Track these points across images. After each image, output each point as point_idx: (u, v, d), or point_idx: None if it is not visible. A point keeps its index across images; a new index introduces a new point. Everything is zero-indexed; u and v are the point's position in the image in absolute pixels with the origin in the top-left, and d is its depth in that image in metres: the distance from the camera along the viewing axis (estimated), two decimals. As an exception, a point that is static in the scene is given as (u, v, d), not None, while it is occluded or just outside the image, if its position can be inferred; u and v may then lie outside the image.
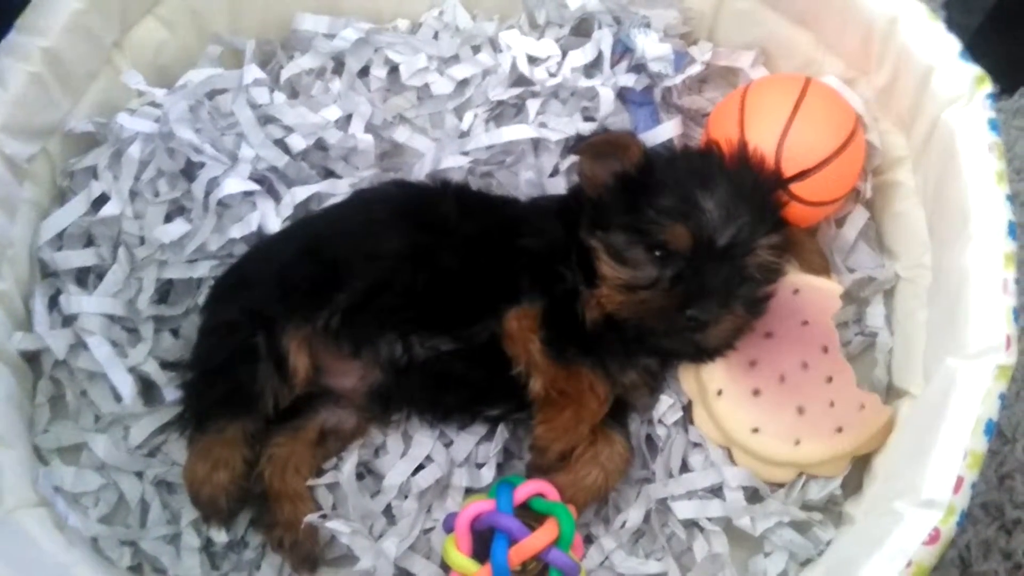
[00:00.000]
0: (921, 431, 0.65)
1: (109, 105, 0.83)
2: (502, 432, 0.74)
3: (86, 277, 0.80)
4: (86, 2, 0.78)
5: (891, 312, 0.79)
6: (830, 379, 0.73)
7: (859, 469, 0.73)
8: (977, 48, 0.73)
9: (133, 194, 0.80)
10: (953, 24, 0.74)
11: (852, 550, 0.66)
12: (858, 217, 0.81)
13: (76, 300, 0.77)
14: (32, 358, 0.77)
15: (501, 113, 0.86)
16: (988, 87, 0.70)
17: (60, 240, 0.80)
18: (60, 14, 0.77)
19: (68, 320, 0.77)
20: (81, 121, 0.81)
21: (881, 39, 0.75)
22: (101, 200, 0.80)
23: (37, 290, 0.77)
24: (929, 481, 0.60)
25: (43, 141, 0.79)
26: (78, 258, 0.79)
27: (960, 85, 0.70)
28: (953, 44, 0.72)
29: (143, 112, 0.82)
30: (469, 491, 0.73)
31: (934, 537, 0.58)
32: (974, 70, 0.70)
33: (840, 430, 0.71)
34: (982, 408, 0.60)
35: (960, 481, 0.59)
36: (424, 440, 0.74)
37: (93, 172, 0.81)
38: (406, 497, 0.73)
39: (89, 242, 0.81)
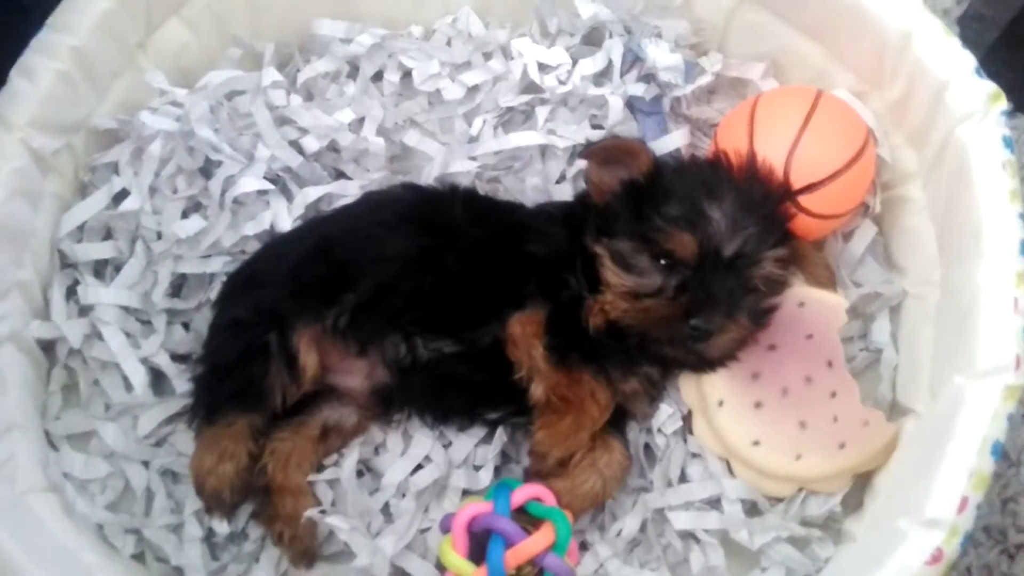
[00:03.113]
0: (926, 449, 0.62)
1: (132, 103, 0.83)
2: (501, 435, 0.71)
3: (104, 269, 0.80)
4: (114, 2, 0.78)
5: (897, 328, 0.76)
6: (834, 394, 0.69)
7: (860, 486, 0.70)
8: (991, 65, 0.70)
9: (152, 190, 0.79)
10: (967, 41, 0.71)
11: (851, 568, 0.64)
12: (866, 231, 0.78)
13: (93, 291, 0.76)
14: (48, 346, 0.76)
15: (510, 119, 0.85)
16: (1003, 104, 0.67)
17: (80, 232, 0.79)
18: (89, 14, 0.77)
19: (84, 310, 0.77)
20: (105, 118, 0.81)
21: (895, 53, 0.72)
22: (121, 195, 0.80)
23: (56, 280, 0.77)
24: (933, 500, 0.57)
25: (68, 136, 0.78)
26: (97, 250, 0.79)
27: (974, 101, 0.67)
28: (968, 60, 0.69)
29: (164, 111, 0.82)
30: (466, 492, 0.72)
31: (937, 557, 0.55)
32: (989, 87, 0.68)
33: (843, 446, 0.68)
34: (989, 428, 0.58)
35: (965, 501, 0.56)
36: (424, 440, 0.73)
37: (114, 167, 0.81)
38: (404, 496, 0.71)
39: (108, 235, 0.80)
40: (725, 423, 0.70)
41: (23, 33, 0.76)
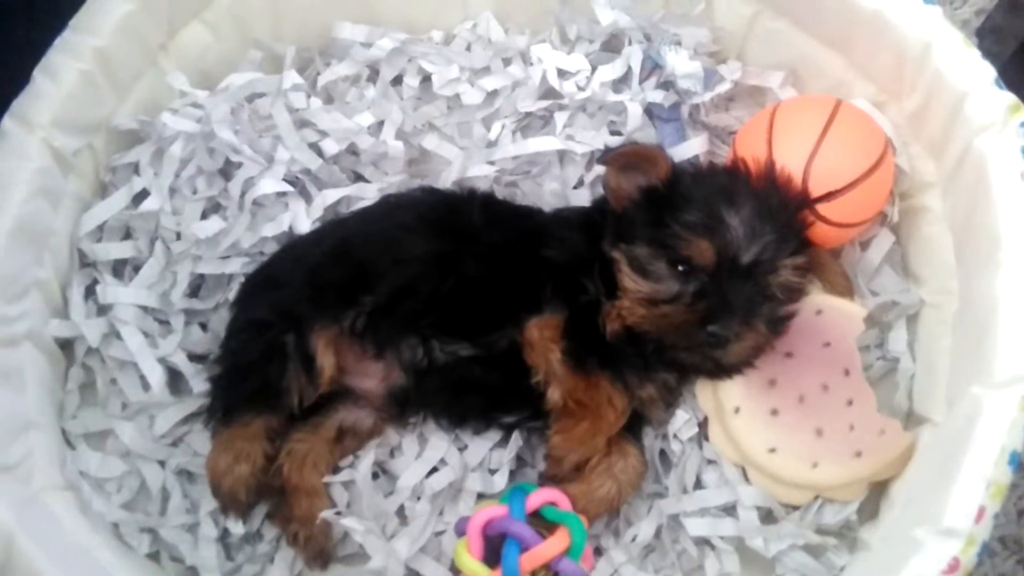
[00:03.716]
0: (943, 459, 0.62)
1: (153, 104, 0.84)
2: (516, 439, 0.72)
3: (123, 269, 0.81)
4: (137, 4, 0.79)
5: (914, 338, 0.77)
6: (850, 402, 0.70)
7: (875, 495, 0.70)
8: (1010, 77, 0.71)
9: (172, 191, 0.81)
10: (986, 53, 0.72)
11: (867, 576, 0.64)
12: (884, 240, 0.79)
13: (112, 290, 0.77)
14: (66, 345, 0.77)
15: (528, 124, 0.86)
16: (1022, 115, 0.67)
17: (100, 232, 0.80)
18: (112, 15, 0.78)
19: (103, 309, 0.78)
20: (126, 118, 0.82)
21: (914, 64, 0.73)
22: (141, 195, 0.81)
23: (75, 279, 0.78)
24: (950, 510, 0.57)
25: (89, 136, 0.80)
26: (116, 250, 0.80)
27: (994, 112, 0.68)
28: (988, 71, 0.70)
29: (185, 112, 0.83)
30: (481, 496, 0.72)
31: (953, 566, 0.56)
32: (1008, 98, 0.68)
33: (859, 454, 0.69)
34: (1007, 438, 0.58)
35: (982, 511, 0.57)
36: (439, 443, 0.73)
37: (135, 168, 0.82)
38: (419, 499, 0.72)
39: (127, 235, 0.81)
40: (741, 430, 0.70)
41: (47, 33, 0.77)
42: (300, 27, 0.89)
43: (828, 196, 0.72)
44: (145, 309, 0.78)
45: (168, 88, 0.85)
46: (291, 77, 0.84)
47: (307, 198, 0.81)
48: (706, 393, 0.73)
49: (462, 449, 0.74)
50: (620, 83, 0.85)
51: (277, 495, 0.72)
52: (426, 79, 0.88)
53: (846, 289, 0.73)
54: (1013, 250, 0.64)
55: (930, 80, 0.72)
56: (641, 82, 0.84)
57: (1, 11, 0.78)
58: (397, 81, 0.89)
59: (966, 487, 0.58)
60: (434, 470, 0.73)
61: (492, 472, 0.73)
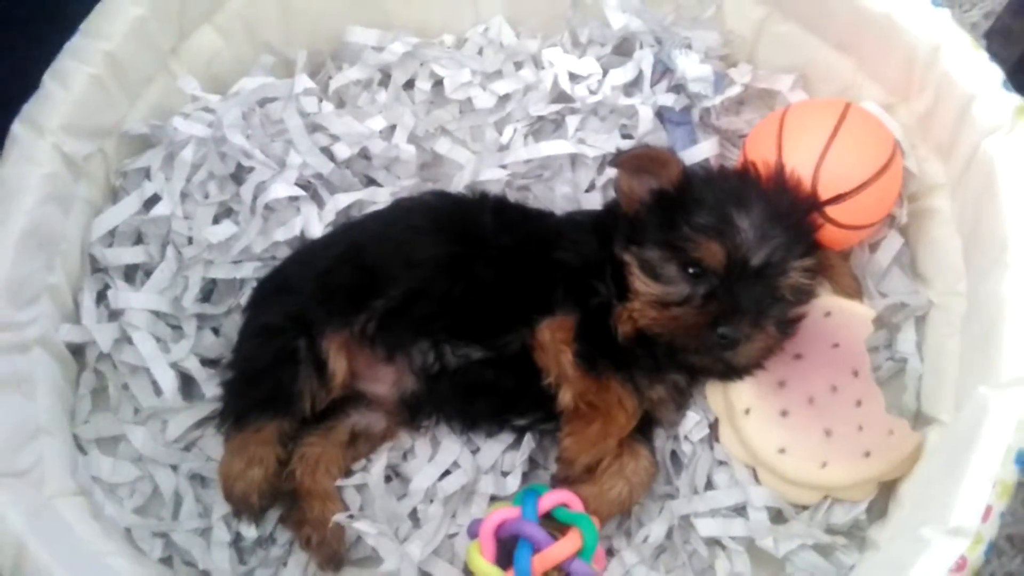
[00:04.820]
0: (951, 458, 0.65)
1: (164, 109, 0.86)
2: (528, 441, 0.75)
3: (134, 274, 0.83)
4: (147, 8, 0.82)
5: (922, 339, 0.80)
6: (859, 403, 0.73)
7: (884, 495, 0.73)
8: (1017, 79, 0.74)
9: (184, 195, 0.83)
10: (994, 55, 0.74)
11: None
12: (892, 242, 0.82)
13: (124, 295, 0.80)
14: (77, 350, 0.80)
15: (540, 128, 0.89)
16: (1030, 118, 0.70)
17: (111, 237, 0.83)
18: (122, 19, 0.81)
19: (115, 314, 0.80)
20: (137, 123, 0.85)
21: (923, 66, 0.76)
22: (153, 200, 0.84)
23: (86, 284, 0.81)
24: (958, 509, 0.60)
25: (100, 141, 0.82)
26: (128, 255, 0.82)
27: (1001, 114, 0.71)
28: (995, 73, 0.73)
29: (197, 117, 0.86)
30: (494, 498, 0.75)
31: (961, 565, 0.58)
32: (1016, 100, 0.71)
33: (868, 454, 0.72)
34: (1014, 437, 0.61)
35: (989, 510, 0.59)
36: (451, 446, 0.76)
37: (146, 173, 0.85)
38: (432, 501, 0.74)
39: (139, 240, 0.84)
40: (751, 431, 0.73)
41: (57, 38, 0.80)
42: (311, 31, 0.91)
43: (837, 198, 0.75)
44: (157, 314, 0.81)
45: (179, 92, 0.87)
46: (303, 81, 0.86)
47: (319, 202, 0.84)
48: (716, 394, 0.76)
49: (475, 452, 0.77)
50: (631, 87, 0.88)
51: (290, 499, 0.75)
52: (438, 83, 0.91)
53: (855, 291, 0.76)
54: (1021, 252, 0.66)
55: (938, 82, 0.75)
56: (652, 85, 0.87)
57: (8, 17, 0.81)
58: (409, 85, 0.91)
59: (973, 486, 0.60)
60: (447, 473, 0.75)
61: (504, 474, 0.76)
